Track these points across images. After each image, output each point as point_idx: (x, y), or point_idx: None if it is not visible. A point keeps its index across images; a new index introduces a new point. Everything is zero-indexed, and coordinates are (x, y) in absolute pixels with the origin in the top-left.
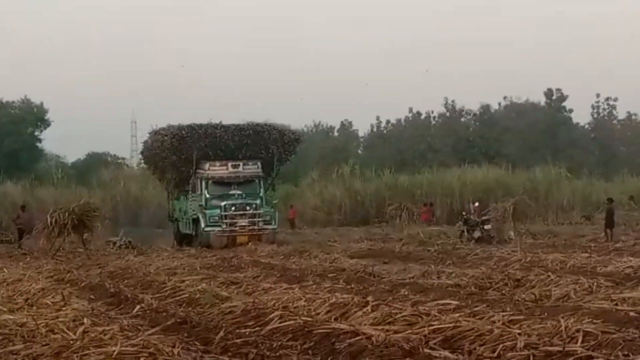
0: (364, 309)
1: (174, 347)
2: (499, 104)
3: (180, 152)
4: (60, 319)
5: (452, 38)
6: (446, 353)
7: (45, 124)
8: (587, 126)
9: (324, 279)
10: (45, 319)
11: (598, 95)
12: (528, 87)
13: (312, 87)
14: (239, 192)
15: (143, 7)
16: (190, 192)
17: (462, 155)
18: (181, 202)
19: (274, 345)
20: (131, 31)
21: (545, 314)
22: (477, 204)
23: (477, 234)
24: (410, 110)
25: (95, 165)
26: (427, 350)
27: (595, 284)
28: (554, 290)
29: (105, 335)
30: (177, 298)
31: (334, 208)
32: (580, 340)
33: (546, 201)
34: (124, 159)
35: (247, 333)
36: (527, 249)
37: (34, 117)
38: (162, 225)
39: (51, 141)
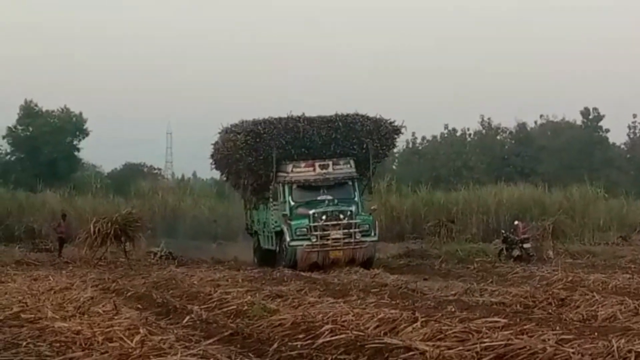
0: (414, 325)
1: (230, 357)
2: (535, 122)
3: (257, 151)
4: (115, 328)
5: (487, 55)
6: None
7: (84, 133)
8: (623, 146)
9: (368, 294)
10: (100, 328)
11: (635, 116)
12: (565, 106)
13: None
14: (330, 197)
15: (173, 27)
16: (271, 199)
17: (498, 173)
18: (261, 212)
19: (328, 358)
20: (166, 45)
21: (595, 334)
22: (518, 222)
23: (516, 252)
24: (446, 127)
25: (131, 176)
26: None
27: None
28: (600, 311)
29: (163, 344)
30: (225, 309)
31: None
32: None
33: (583, 221)
34: (159, 169)
35: (299, 346)
36: (567, 269)
37: (73, 126)
38: (197, 237)
39: (89, 150)
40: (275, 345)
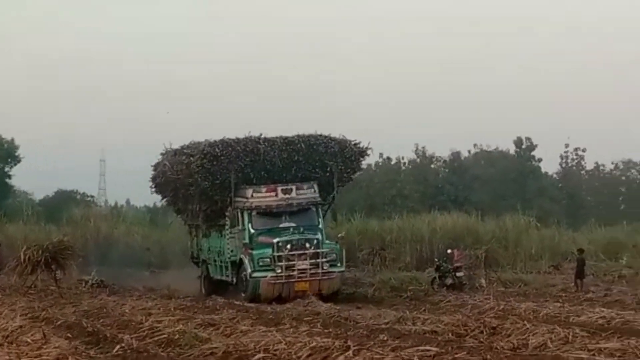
0: (346, 354)
1: None
2: (469, 151)
3: (213, 175)
4: (44, 357)
5: (423, 84)
6: None
7: (16, 160)
8: (555, 175)
9: (301, 323)
10: (28, 357)
11: (567, 145)
12: (498, 136)
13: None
14: (293, 224)
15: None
16: (227, 227)
17: (432, 202)
18: (213, 240)
19: None
20: (98, 72)
21: None
22: (452, 250)
23: (449, 280)
24: (381, 155)
25: (63, 203)
26: None
27: (570, 333)
28: (531, 339)
29: None
30: (156, 338)
31: None
32: None
33: (515, 249)
34: (92, 197)
35: None
36: (499, 297)
37: (4, 152)
38: (130, 265)
39: (20, 177)
40: None
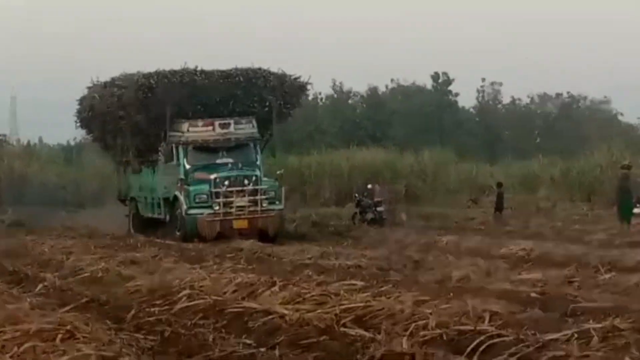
0: (272, 289)
1: (88, 324)
2: (387, 86)
3: (148, 108)
4: None
5: (339, 18)
6: (361, 331)
7: None
8: (472, 110)
9: (224, 260)
10: None
11: (483, 80)
12: (415, 70)
13: None
14: (231, 160)
15: None
16: (160, 162)
17: (350, 137)
18: (144, 177)
19: (188, 324)
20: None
21: (451, 295)
22: (373, 186)
23: (369, 215)
24: None
25: None
26: (342, 329)
27: (492, 265)
28: (454, 272)
29: (18, 312)
30: (79, 277)
31: None
32: (488, 319)
33: (434, 184)
34: (4, 135)
35: (157, 312)
36: (420, 231)
37: None
38: (46, 204)
39: None
40: (132, 312)
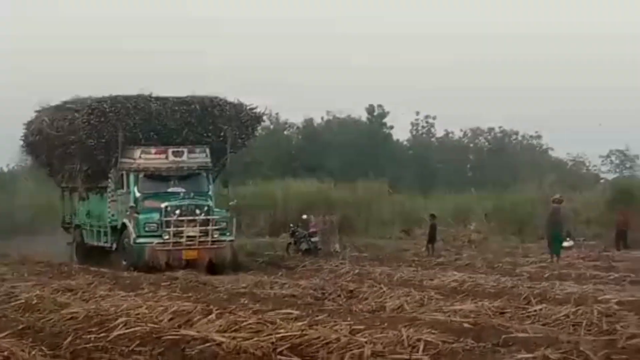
0: (208, 317)
1: (24, 351)
2: (322, 118)
3: (100, 133)
4: None
5: (274, 50)
6: (298, 359)
7: None
8: (406, 143)
9: (159, 288)
10: None
11: (417, 113)
12: (351, 103)
13: None
14: (183, 189)
15: None
16: (109, 189)
17: (285, 168)
18: (91, 204)
19: (124, 351)
20: None
21: (385, 324)
22: (308, 216)
23: (304, 245)
24: None
25: None
26: (278, 357)
27: (426, 296)
28: (388, 302)
29: None
30: (14, 304)
31: None
32: (422, 349)
33: (368, 215)
34: None
35: (93, 339)
36: (354, 262)
37: None
38: None
39: None
40: (69, 339)
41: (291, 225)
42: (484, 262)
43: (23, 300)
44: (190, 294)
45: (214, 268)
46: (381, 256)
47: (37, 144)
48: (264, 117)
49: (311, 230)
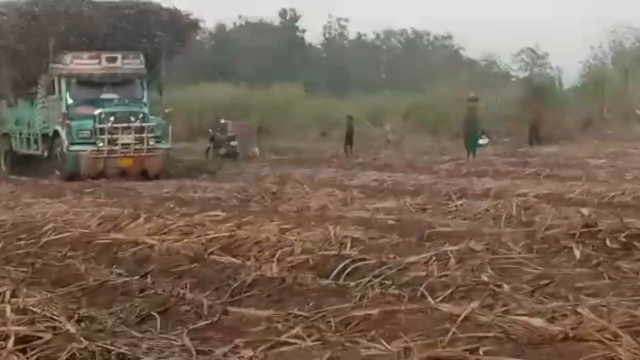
0: (137, 221)
1: None
2: (234, 23)
3: (30, 37)
4: None
5: None
6: (230, 258)
7: None
8: (319, 46)
9: (83, 194)
10: None
11: (330, 16)
12: (263, 6)
13: None
14: (116, 96)
15: None
16: (40, 96)
17: (199, 74)
18: (20, 110)
19: (57, 256)
20: None
21: (312, 223)
22: (226, 121)
23: (223, 150)
24: None
25: None
26: (211, 257)
27: (348, 195)
28: (312, 202)
29: None
30: None
31: None
32: (350, 245)
33: (284, 119)
34: None
35: (24, 245)
36: (274, 165)
37: None
38: None
39: None
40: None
41: (210, 130)
42: (402, 161)
43: None
44: (115, 200)
45: (148, 176)
46: (300, 158)
47: None
48: (200, 24)
49: (230, 134)
